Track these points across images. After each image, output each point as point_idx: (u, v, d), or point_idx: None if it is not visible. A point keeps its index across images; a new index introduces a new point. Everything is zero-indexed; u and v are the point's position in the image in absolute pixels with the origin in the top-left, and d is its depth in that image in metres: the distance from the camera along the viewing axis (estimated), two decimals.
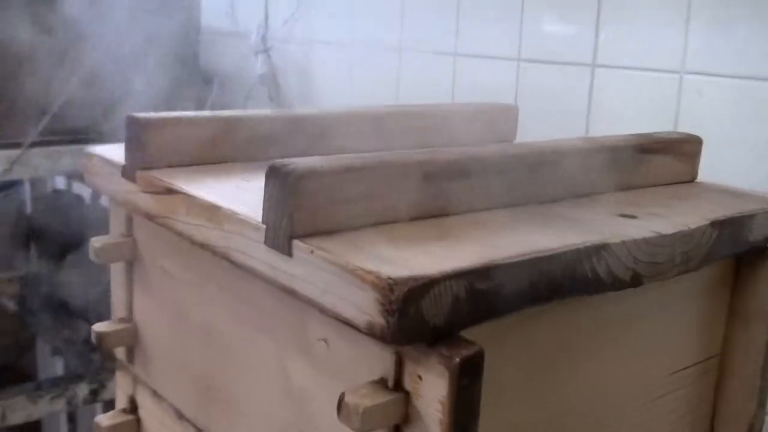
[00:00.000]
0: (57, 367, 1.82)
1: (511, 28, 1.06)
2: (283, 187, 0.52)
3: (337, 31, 1.37)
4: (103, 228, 0.79)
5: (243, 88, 1.53)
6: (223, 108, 1.51)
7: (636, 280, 0.58)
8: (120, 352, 0.79)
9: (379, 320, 0.46)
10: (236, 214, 0.58)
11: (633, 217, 0.63)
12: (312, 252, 0.51)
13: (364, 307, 0.47)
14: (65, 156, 1.36)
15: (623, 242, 0.56)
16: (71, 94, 1.38)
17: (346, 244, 0.52)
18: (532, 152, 0.65)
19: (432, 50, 1.19)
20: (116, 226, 0.77)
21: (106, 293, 1.18)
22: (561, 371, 0.58)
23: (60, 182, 1.84)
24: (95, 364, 1.46)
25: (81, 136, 1.42)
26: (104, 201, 1.62)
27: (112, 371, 0.86)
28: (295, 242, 0.52)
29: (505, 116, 0.95)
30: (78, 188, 1.77)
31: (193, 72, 1.54)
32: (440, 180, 0.59)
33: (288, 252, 0.52)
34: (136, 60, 1.36)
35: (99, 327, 0.75)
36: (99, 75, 1.38)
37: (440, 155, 0.60)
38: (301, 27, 1.45)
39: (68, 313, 1.58)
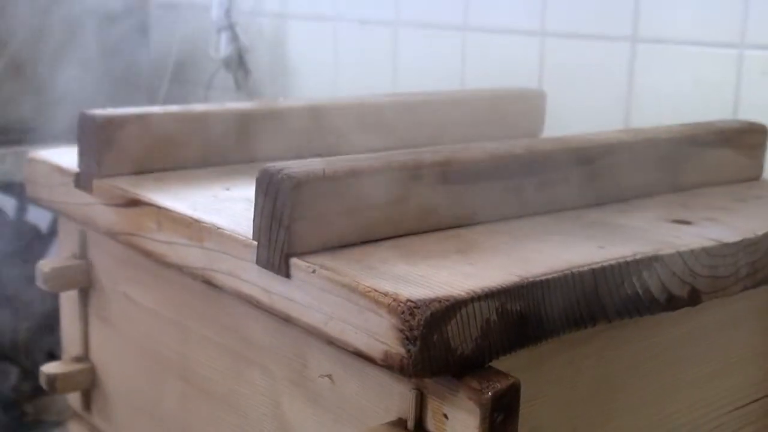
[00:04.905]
0: None
1: None
2: (279, 195, 0.55)
3: (319, 2, 1.40)
4: (31, 248, 0.82)
5: (203, 74, 1.56)
6: (178, 99, 1.54)
7: (694, 298, 0.61)
8: (74, 399, 0.82)
9: (397, 350, 0.49)
10: (220, 228, 0.61)
11: (688, 223, 0.67)
12: (314, 271, 0.54)
13: (380, 335, 0.50)
14: None
15: (678, 253, 0.60)
16: None
17: (355, 261, 0.55)
18: (568, 148, 0.68)
19: (435, 24, 1.22)
20: (67, 246, 0.80)
21: (40, 328, 1.20)
22: (606, 405, 0.62)
23: None
24: (29, 417, 1.48)
25: (2, 136, 1.45)
26: (33, 217, 1.65)
27: (59, 424, 0.89)
28: (294, 260, 0.55)
29: (530, 104, 0.99)
30: None
31: (142, 54, 1.57)
32: (460, 183, 0.63)
33: (285, 272, 0.56)
34: (70, 42, 1.39)
35: (49, 368, 0.78)
36: (26, 60, 1.41)
37: (458, 154, 0.64)
38: None
39: None
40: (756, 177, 0.82)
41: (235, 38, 1.51)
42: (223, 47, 1.51)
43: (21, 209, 1.71)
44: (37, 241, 1.63)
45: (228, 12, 1.51)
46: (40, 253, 1.60)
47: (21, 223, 1.70)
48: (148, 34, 1.62)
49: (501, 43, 1.14)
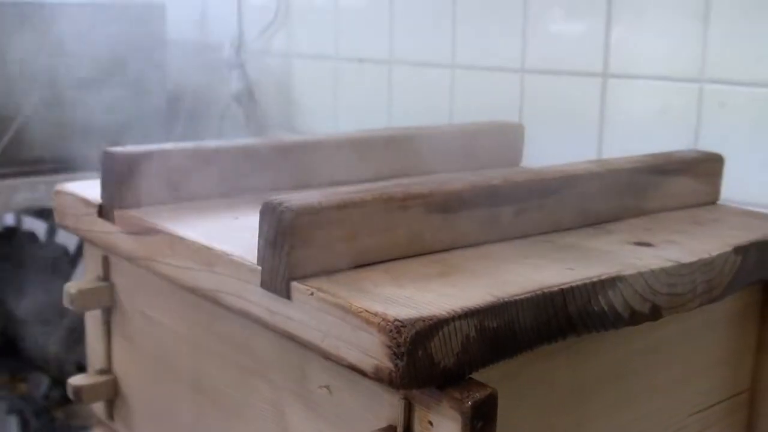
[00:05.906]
0: (11, 427, 1.85)
1: (513, 36, 1.11)
2: (280, 225, 0.57)
3: (321, 43, 1.42)
4: (60, 269, 0.83)
5: (216, 108, 1.58)
6: (193, 131, 1.55)
7: (655, 313, 0.62)
8: (98, 408, 0.83)
9: (386, 364, 0.50)
10: (229, 255, 0.62)
11: (649, 245, 0.68)
12: (312, 294, 0.55)
13: (371, 351, 0.51)
14: (21, 191, 1.40)
15: (640, 273, 0.61)
16: (24, 121, 1.42)
17: (348, 284, 0.56)
18: (541, 179, 0.70)
19: (426, 62, 1.24)
20: (92, 269, 0.81)
21: (69, 342, 1.22)
22: (578, 412, 0.63)
23: (8, 217, 1.87)
24: (59, 422, 1.49)
25: (33, 167, 1.46)
26: (62, 238, 1.66)
27: (86, 429, 0.90)
28: (294, 284, 0.57)
29: (510, 136, 1.00)
30: (30, 224, 1.81)
31: (159, 91, 1.58)
32: (443, 212, 0.64)
33: (286, 294, 0.57)
34: (93, 80, 1.41)
35: (76, 380, 0.79)
36: (50, 98, 1.42)
37: (442, 186, 0.65)
38: (279, 38, 1.49)
39: (24, 366, 1.61)
40: (713, 201, 0.83)
41: (244, 76, 1.53)
42: (234, 84, 1.53)
43: (51, 232, 1.73)
44: (66, 261, 1.65)
45: (238, 51, 1.53)
46: (69, 271, 1.62)
47: (51, 244, 1.71)
48: (165, 72, 1.64)
49: (485, 79, 1.16)
